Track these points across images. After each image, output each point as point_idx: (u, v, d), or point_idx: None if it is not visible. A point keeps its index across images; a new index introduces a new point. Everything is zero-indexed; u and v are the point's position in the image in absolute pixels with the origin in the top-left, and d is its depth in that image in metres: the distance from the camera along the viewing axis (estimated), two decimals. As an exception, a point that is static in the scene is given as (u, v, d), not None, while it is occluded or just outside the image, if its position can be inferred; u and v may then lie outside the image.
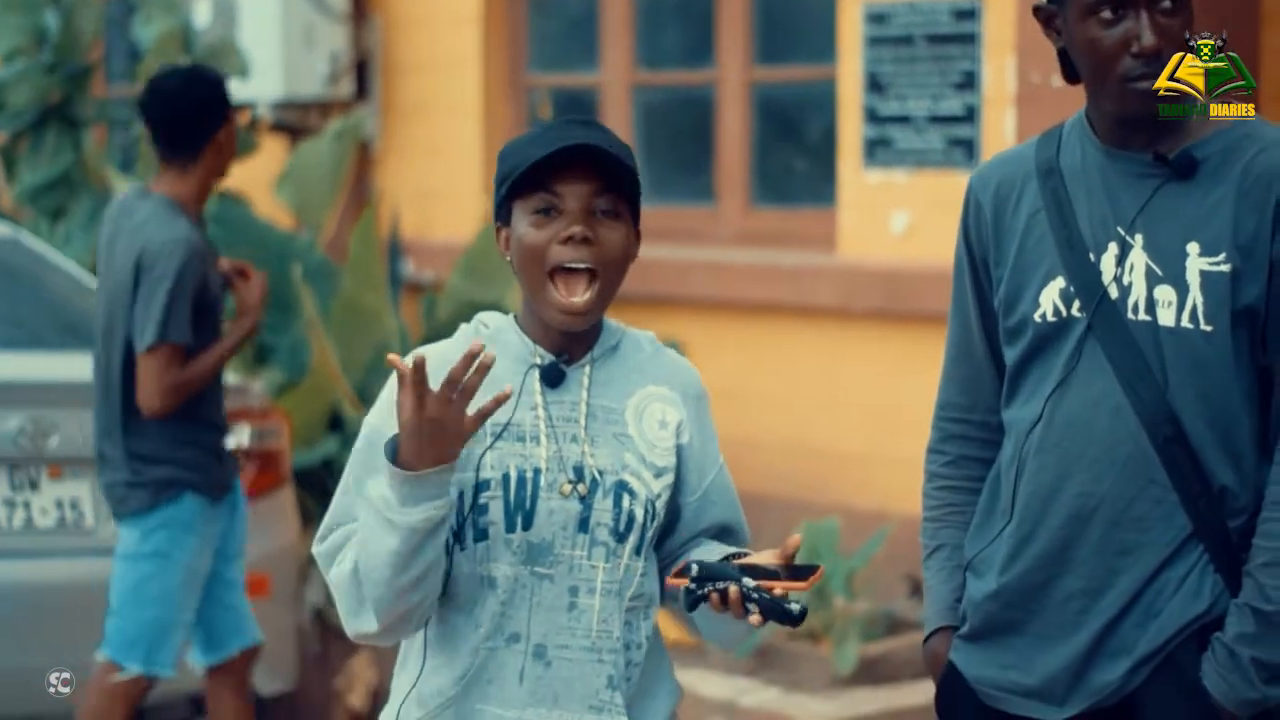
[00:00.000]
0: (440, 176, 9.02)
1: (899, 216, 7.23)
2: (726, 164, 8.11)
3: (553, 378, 3.05)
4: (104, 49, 9.43)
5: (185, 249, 5.34)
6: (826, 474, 7.40)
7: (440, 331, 7.37)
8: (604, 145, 2.99)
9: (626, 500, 3.03)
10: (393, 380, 3.06)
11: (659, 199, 7.95)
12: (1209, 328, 3.13)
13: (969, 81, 7.05)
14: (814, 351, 7.51)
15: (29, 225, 8.38)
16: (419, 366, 2.82)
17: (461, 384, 2.84)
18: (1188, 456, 3.14)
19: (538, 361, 3.06)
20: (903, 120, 7.25)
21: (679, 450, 3.09)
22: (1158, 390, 3.14)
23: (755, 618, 2.87)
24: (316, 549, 3.05)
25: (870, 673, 6.43)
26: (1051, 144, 3.30)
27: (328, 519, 3.06)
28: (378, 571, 2.91)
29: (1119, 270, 3.18)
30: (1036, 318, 3.22)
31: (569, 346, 3.06)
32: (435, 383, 2.86)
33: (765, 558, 2.93)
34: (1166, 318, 3.15)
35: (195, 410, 5.45)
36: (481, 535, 3.00)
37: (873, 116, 7.33)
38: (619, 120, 8.34)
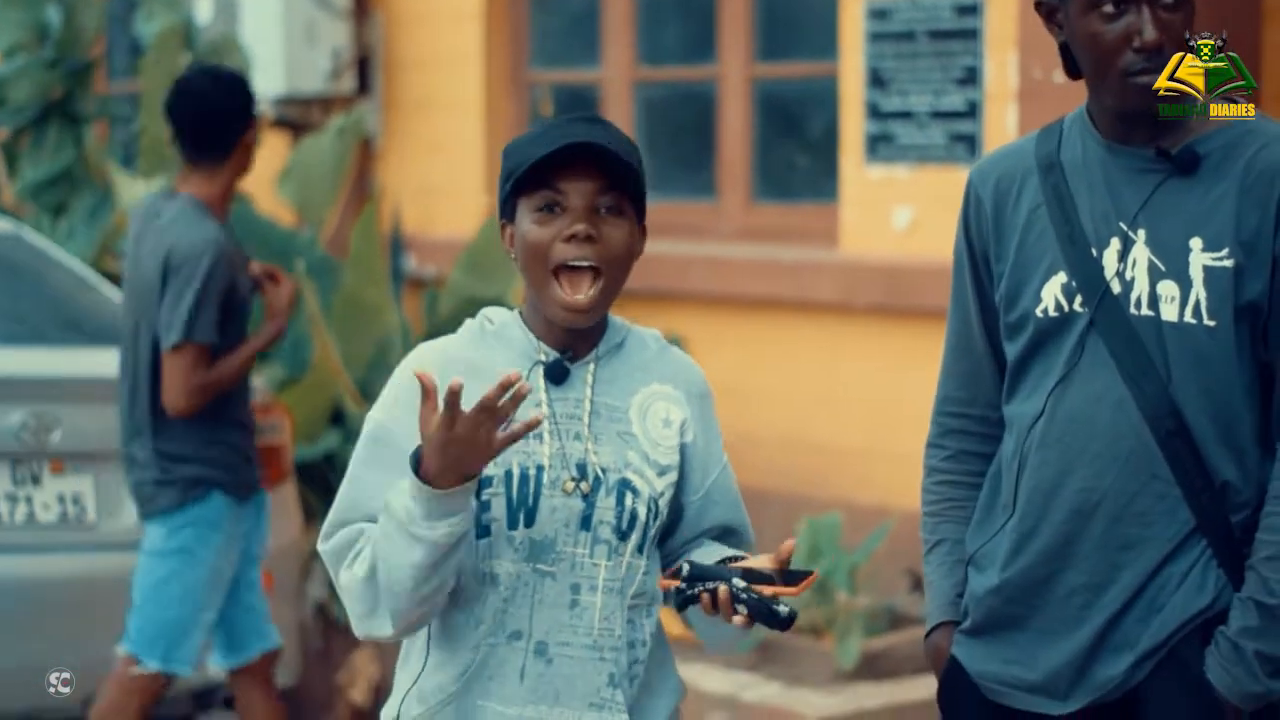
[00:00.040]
0: (442, 172, 9.02)
1: (901, 212, 7.23)
2: (728, 160, 8.11)
3: (557, 375, 3.05)
4: (106, 45, 9.43)
5: (214, 249, 5.36)
6: (827, 469, 7.41)
7: (442, 327, 7.37)
8: (607, 143, 2.98)
9: (629, 498, 3.02)
10: (396, 377, 3.06)
11: (660, 194, 7.94)
12: (1212, 323, 3.13)
13: (971, 77, 7.05)
14: (815, 347, 7.51)
15: (31, 221, 8.38)
16: (455, 391, 2.81)
17: (496, 408, 2.84)
18: (1190, 451, 3.14)
19: (542, 358, 3.05)
20: (904, 116, 7.25)
21: (682, 449, 3.09)
22: (1160, 385, 3.14)
23: (741, 618, 2.87)
24: (322, 547, 3.04)
25: (872, 667, 6.44)
26: (1052, 139, 3.30)
27: (332, 516, 3.05)
28: (400, 583, 2.92)
29: (1121, 265, 3.18)
30: (1038, 313, 3.22)
31: (573, 343, 3.06)
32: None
33: (760, 562, 2.92)
34: (1169, 313, 3.15)
35: (224, 410, 5.46)
36: (484, 532, 3.00)
37: (874, 112, 7.33)
38: (620, 116, 8.34)
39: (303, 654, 6.78)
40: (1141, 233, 3.18)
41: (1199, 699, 3.13)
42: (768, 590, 2.86)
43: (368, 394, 7.66)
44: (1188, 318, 3.14)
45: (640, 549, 3.04)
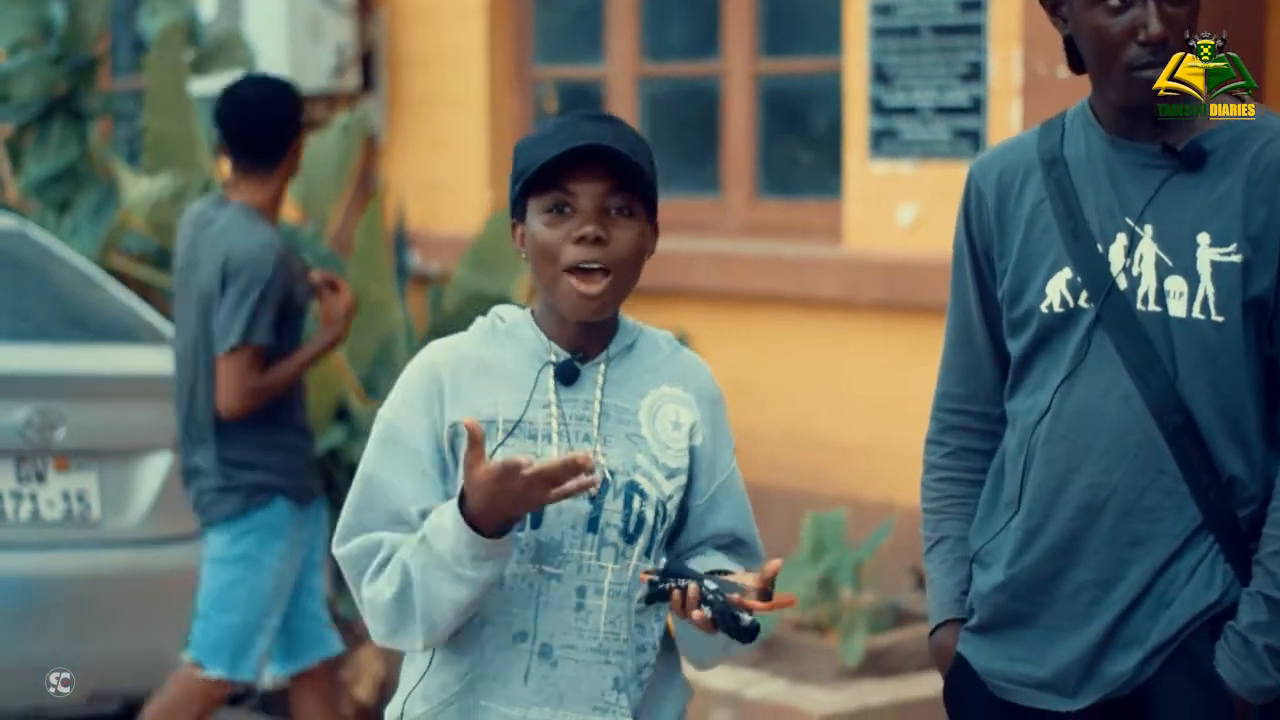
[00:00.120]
0: (446, 169, 9.02)
1: (905, 208, 7.23)
2: (732, 155, 8.11)
3: (567, 376, 3.04)
4: (110, 41, 9.42)
5: (274, 254, 5.39)
6: (831, 466, 7.40)
7: (446, 323, 7.37)
8: (616, 144, 2.97)
9: (637, 501, 3.02)
10: (405, 376, 3.06)
11: (664, 190, 7.87)
12: (1220, 318, 3.13)
13: (975, 73, 7.05)
14: (819, 343, 7.51)
15: (35, 218, 8.37)
16: (516, 466, 2.82)
17: (556, 478, 2.84)
18: (1197, 447, 3.14)
19: (552, 359, 3.04)
20: (908, 111, 7.24)
21: (691, 452, 3.08)
22: (1167, 380, 3.14)
23: (700, 615, 2.87)
24: (337, 551, 3.03)
25: (877, 664, 6.43)
26: (1054, 133, 3.29)
27: (346, 519, 3.04)
28: (441, 615, 2.93)
29: (1128, 261, 3.18)
30: (1043, 308, 3.21)
31: (585, 344, 3.05)
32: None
33: (743, 578, 2.91)
34: (1177, 308, 3.14)
35: (283, 415, 5.48)
36: (490, 533, 3.00)
37: (878, 108, 7.33)
38: (624, 112, 8.33)
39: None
40: (1148, 228, 3.17)
41: (1209, 694, 3.13)
42: (736, 596, 2.86)
43: (372, 390, 7.66)
44: (1196, 313, 3.14)
45: (647, 553, 3.03)
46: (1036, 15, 3.48)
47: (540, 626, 3.00)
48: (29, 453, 5.93)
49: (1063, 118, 3.31)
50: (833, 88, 7.66)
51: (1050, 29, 3.27)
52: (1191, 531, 3.15)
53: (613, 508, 3.00)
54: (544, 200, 3.00)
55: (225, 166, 5.76)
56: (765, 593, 2.88)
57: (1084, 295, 3.18)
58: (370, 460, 3.03)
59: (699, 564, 3.04)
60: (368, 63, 9.27)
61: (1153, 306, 3.15)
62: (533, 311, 3.09)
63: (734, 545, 3.13)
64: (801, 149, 8.09)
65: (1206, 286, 3.13)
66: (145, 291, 7.91)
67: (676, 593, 2.89)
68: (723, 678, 6.36)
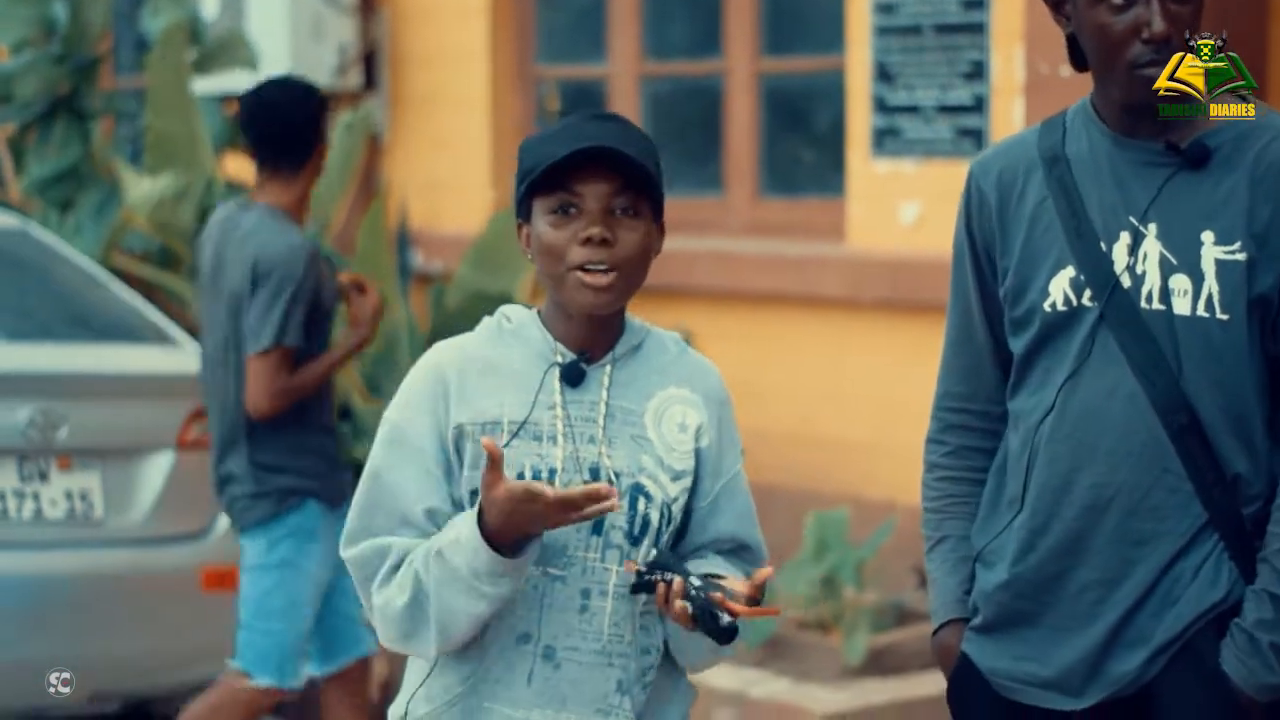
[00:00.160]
0: (448, 168, 9.02)
1: (908, 207, 7.23)
2: (735, 154, 8.11)
3: (573, 377, 3.03)
4: (112, 40, 9.42)
5: (305, 255, 5.39)
6: (833, 464, 7.40)
7: (449, 322, 7.37)
8: (621, 145, 2.96)
9: (642, 503, 3.01)
10: (411, 377, 3.05)
11: (667, 189, 7.90)
12: (1225, 316, 3.13)
13: (977, 71, 7.05)
14: (822, 342, 7.51)
15: (38, 217, 8.38)
16: (540, 491, 2.83)
17: (577, 507, 2.85)
18: (1202, 445, 3.13)
19: (558, 359, 3.03)
20: (911, 110, 7.24)
21: (698, 454, 3.07)
22: (1171, 379, 3.14)
23: (681, 605, 2.87)
24: (345, 554, 3.03)
25: (879, 663, 6.43)
26: (1055, 132, 3.29)
27: (354, 520, 3.03)
28: (458, 626, 2.94)
29: (1131, 259, 3.17)
30: (1046, 307, 3.21)
31: (591, 345, 3.04)
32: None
33: (733, 583, 2.91)
34: (1182, 307, 3.14)
35: (310, 417, 5.49)
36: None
37: (881, 106, 7.33)
38: (627, 111, 8.33)
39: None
40: (1152, 226, 3.17)
41: (1215, 692, 3.13)
42: (719, 596, 2.87)
43: (374, 389, 7.66)
44: (1200, 311, 3.13)
45: (653, 555, 3.03)
46: (1039, 13, 3.47)
47: (544, 628, 3.00)
48: (32, 452, 5.92)
49: (1063, 116, 3.31)
50: (835, 86, 7.66)
51: (1053, 27, 3.27)
52: (1196, 530, 3.15)
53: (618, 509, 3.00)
54: (549, 201, 2.99)
55: (249, 168, 5.75)
56: (753, 599, 2.88)
57: (1087, 294, 3.18)
58: (376, 461, 3.03)
59: (698, 568, 3.03)
60: (370, 62, 9.27)
61: (1157, 305, 3.15)
62: (539, 312, 3.08)
63: (737, 550, 3.11)
64: (804, 148, 8.09)
65: (1211, 285, 3.13)
66: (148, 291, 7.92)
67: (661, 585, 2.90)
68: (726, 677, 6.36)
